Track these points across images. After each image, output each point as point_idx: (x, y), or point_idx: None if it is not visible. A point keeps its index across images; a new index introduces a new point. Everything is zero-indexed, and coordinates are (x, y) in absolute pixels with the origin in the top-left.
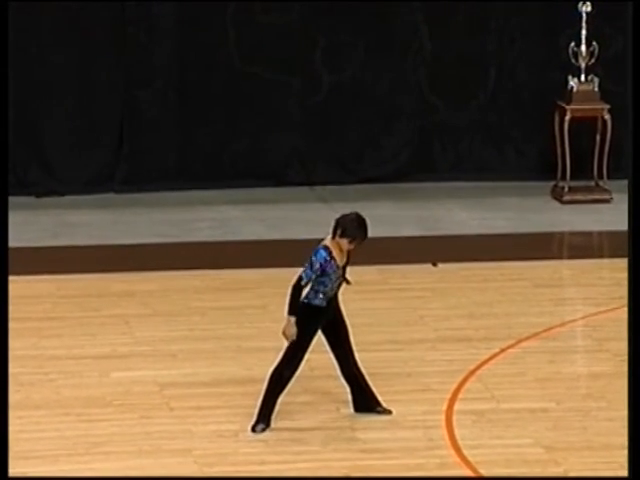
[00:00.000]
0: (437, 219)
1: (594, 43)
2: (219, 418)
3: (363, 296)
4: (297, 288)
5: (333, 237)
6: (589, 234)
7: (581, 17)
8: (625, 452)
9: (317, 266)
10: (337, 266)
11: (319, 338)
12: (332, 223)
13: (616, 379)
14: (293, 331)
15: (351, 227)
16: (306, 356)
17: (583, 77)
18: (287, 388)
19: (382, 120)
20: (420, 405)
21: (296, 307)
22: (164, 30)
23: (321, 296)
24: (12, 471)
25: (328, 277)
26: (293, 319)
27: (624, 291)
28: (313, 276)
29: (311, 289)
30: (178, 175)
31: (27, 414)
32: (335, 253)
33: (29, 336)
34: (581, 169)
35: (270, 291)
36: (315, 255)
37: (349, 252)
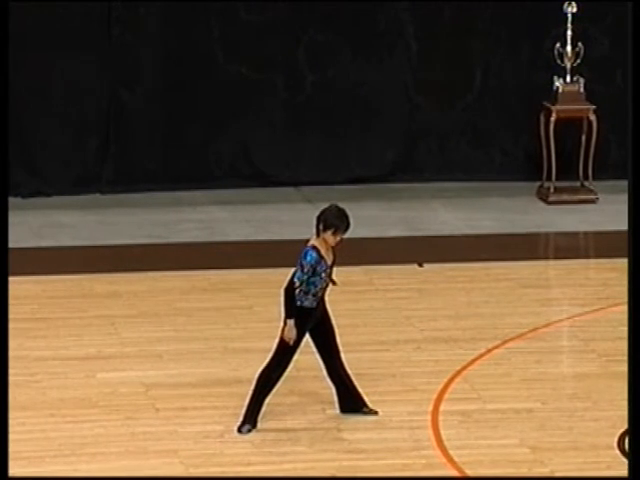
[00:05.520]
0: (423, 220)
1: (579, 44)
2: (205, 419)
3: (349, 297)
4: (290, 291)
5: (317, 235)
6: (575, 234)
7: (566, 18)
8: (611, 452)
9: (308, 267)
10: (327, 265)
11: (305, 339)
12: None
13: (602, 379)
14: (294, 334)
15: (331, 218)
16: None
17: (568, 78)
18: (274, 389)
19: (368, 121)
20: (406, 406)
21: (293, 310)
22: (150, 30)
23: (311, 297)
24: None
25: (319, 277)
26: (292, 322)
27: (610, 291)
28: (305, 277)
29: (300, 291)
30: (164, 176)
31: (13, 415)
32: (323, 252)
33: (15, 337)
34: (566, 170)
35: (256, 292)
36: (305, 257)
37: (335, 251)
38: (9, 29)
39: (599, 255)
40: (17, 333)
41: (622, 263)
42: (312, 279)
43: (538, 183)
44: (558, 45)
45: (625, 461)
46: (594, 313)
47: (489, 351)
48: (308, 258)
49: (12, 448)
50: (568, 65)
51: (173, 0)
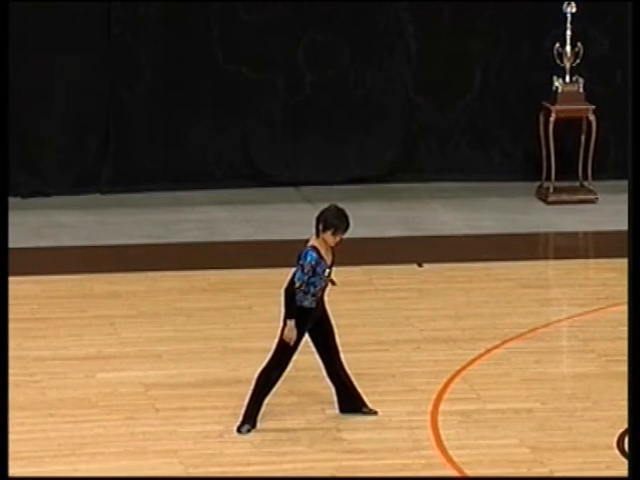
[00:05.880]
0: (422, 220)
1: (579, 44)
2: (205, 419)
3: (348, 297)
4: (291, 292)
5: (317, 235)
6: (574, 235)
7: (566, 18)
8: (610, 452)
9: (308, 268)
10: (326, 265)
11: (305, 339)
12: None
13: (601, 379)
14: (294, 334)
15: (331, 218)
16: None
17: (568, 78)
18: (274, 389)
19: (367, 120)
20: (405, 406)
21: (294, 310)
22: (149, 31)
23: (310, 297)
24: None
25: (319, 277)
26: (293, 322)
27: (610, 291)
28: (305, 278)
29: (300, 291)
30: (164, 176)
31: (12, 415)
32: (322, 252)
33: (14, 337)
34: (566, 170)
35: (256, 292)
36: (305, 258)
37: (334, 251)
38: (9, 29)
39: (599, 255)
40: (17, 333)
41: (621, 263)
42: (312, 279)
43: (537, 183)
44: (557, 45)
45: (625, 461)
46: (593, 313)
47: (489, 351)
48: (308, 258)
49: (12, 448)
50: (567, 65)
51: (173, 0)
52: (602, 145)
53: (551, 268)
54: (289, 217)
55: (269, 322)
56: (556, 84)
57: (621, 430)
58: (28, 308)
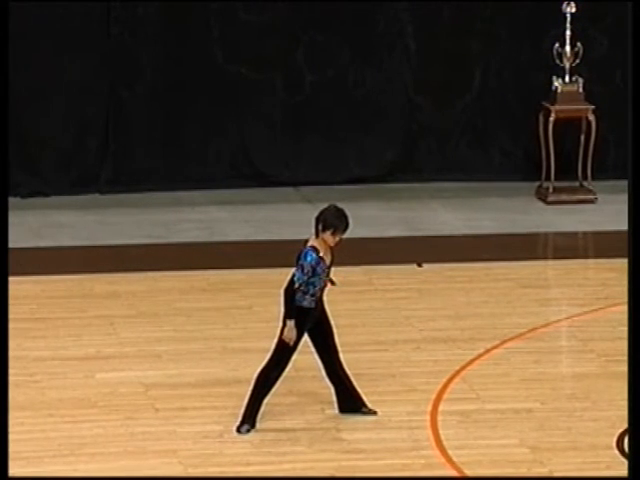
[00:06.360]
0: (422, 220)
1: (578, 44)
2: (204, 419)
3: (348, 297)
4: (290, 292)
5: (317, 235)
6: (574, 235)
7: (566, 18)
8: (610, 452)
9: (308, 268)
10: (326, 265)
11: (304, 339)
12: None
13: (601, 379)
14: (294, 334)
15: (330, 218)
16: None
17: (567, 78)
18: (273, 389)
19: (367, 120)
20: (405, 406)
21: (293, 310)
22: (149, 31)
23: (309, 297)
24: None
25: (318, 277)
26: (292, 322)
27: (609, 291)
28: (305, 278)
29: (300, 291)
30: (164, 176)
31: (12, 415)
32: (322, 252)
33: (14, 337)
34: (565, 170)
35: (256, 292)
36: (305, 258)
37: (333, 251)
38: (9, 29)
39: (598, 255)
40: (16, 333)
41: (621, 263)
42: (312, 279)
43: (537, 183)
44: (557, 45)
45: (624, 461)
46: (593, 313)
47: (488, 351)
48: (308, 259)
49: (11, 448)
50: (567, 65)
51: (172, 0)
52: (602, 145)
53: (550, 268)
54: (289, 217)
55: (269, 322)
56: (556, 84)
57: (621, 430)
58: (28, 308)
